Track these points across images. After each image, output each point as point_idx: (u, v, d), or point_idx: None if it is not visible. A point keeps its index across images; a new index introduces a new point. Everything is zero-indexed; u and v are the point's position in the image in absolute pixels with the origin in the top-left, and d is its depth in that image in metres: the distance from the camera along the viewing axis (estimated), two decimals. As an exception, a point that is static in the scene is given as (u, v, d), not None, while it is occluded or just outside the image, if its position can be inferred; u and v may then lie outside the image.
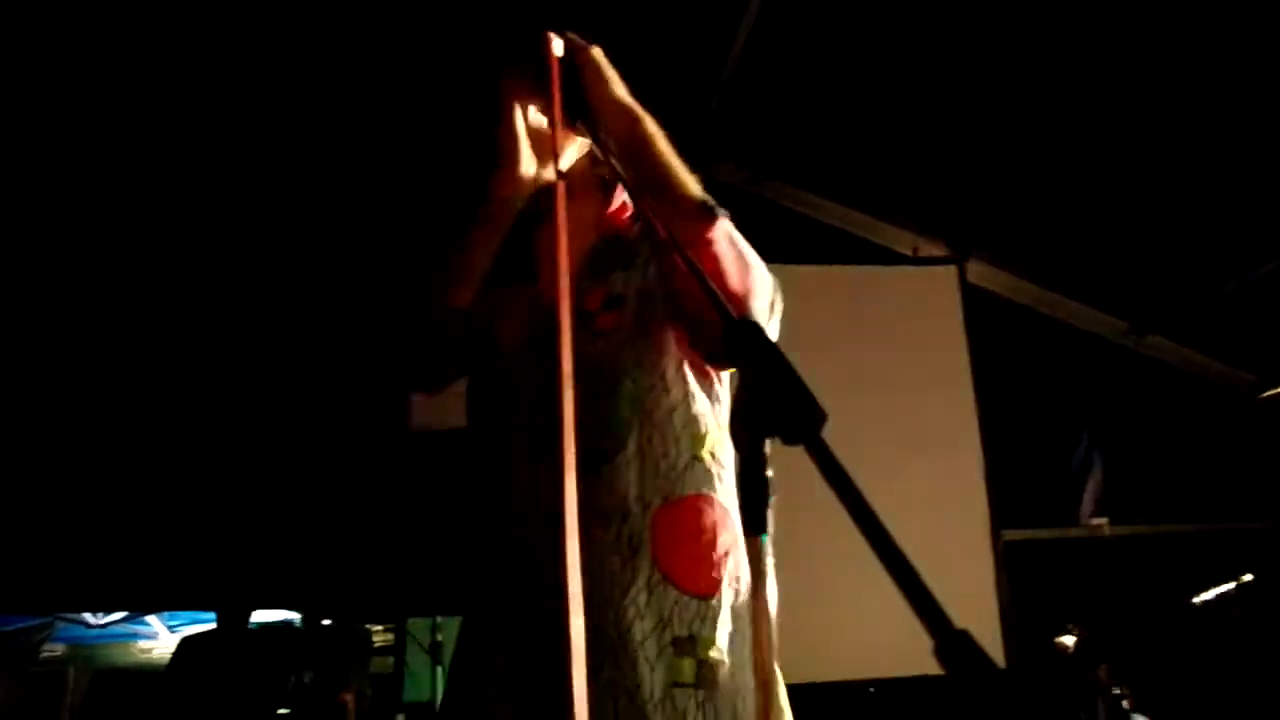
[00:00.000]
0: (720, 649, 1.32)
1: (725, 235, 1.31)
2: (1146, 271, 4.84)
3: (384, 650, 4.61)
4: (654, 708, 1.27)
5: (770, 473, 0.77)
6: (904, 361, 4.62)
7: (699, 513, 1.40)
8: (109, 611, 6.62)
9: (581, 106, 1.34)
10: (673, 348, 1.45)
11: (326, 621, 4.41)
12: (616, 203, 1.56)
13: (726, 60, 4.06)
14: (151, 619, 6.77)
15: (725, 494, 1.43)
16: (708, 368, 1.46)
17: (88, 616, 6.68)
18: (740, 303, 1.28)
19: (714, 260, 1.28)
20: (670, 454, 1.40)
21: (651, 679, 1.29)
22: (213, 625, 4.29)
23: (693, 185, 1.35)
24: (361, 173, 4.31)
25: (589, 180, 1.51)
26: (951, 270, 4.93)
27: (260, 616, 4.64)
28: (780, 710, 1.35)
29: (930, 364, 4.71)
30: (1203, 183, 4.22)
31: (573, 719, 0.95)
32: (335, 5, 3.70)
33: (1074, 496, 5.09)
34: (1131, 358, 5.23)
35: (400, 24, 3.76)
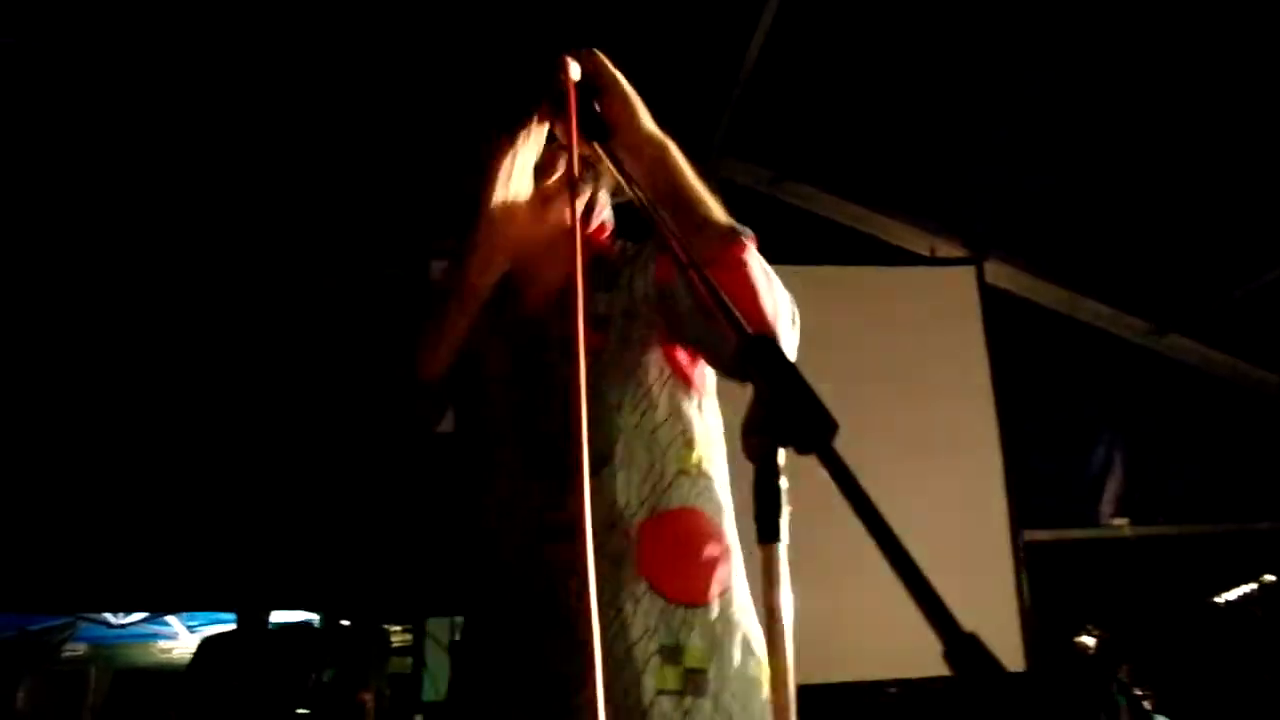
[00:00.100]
0: (707, 657, 1.36)
1: (755, 257, 1.34)
2: (1166, 270, 4.81)
3: (403, 650, 4.63)
4: (641, 715, 1.29)
5: (784, 482, 0.78)
6: (923, 362, 4.60)
7: (685, 525, 1.44)
8: (129, 612, 6.68)
9: (598, 128, 1.33)
10: (657, 365, 1.49)
11: (345, 621, 4.43)
12: (596, 223, 1.57)
13: (743, 60, 4.05)
14: (172, 619, 6.82)
15: (712, 506, 1.47)
16: (693, 384, 1.50)
17: (109, 616, 6.74)
18: (770, 321, 1.30)
19: (747, 281, 1.30)
20: (656, 468, 1.44)
21: (639, 687, 1.32)
22: (232, 626, 4.32)
23: (719, 210, 1.37)
24: (362, 166, 4.32)
25: (568, 201, 1.52)
26: (970, 270, 4.91)
27: (279, 617, 4.66)
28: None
29: (949, 365, 4.69)
30: (1224, 180, 4.19)
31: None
32: (338, 13, 3.71)
33: (1094, 497, 5.07)
34: (1152, 357, 5.19)
35: (411, 35, 3.76)
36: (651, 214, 1.11)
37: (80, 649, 7.02)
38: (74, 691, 6.96)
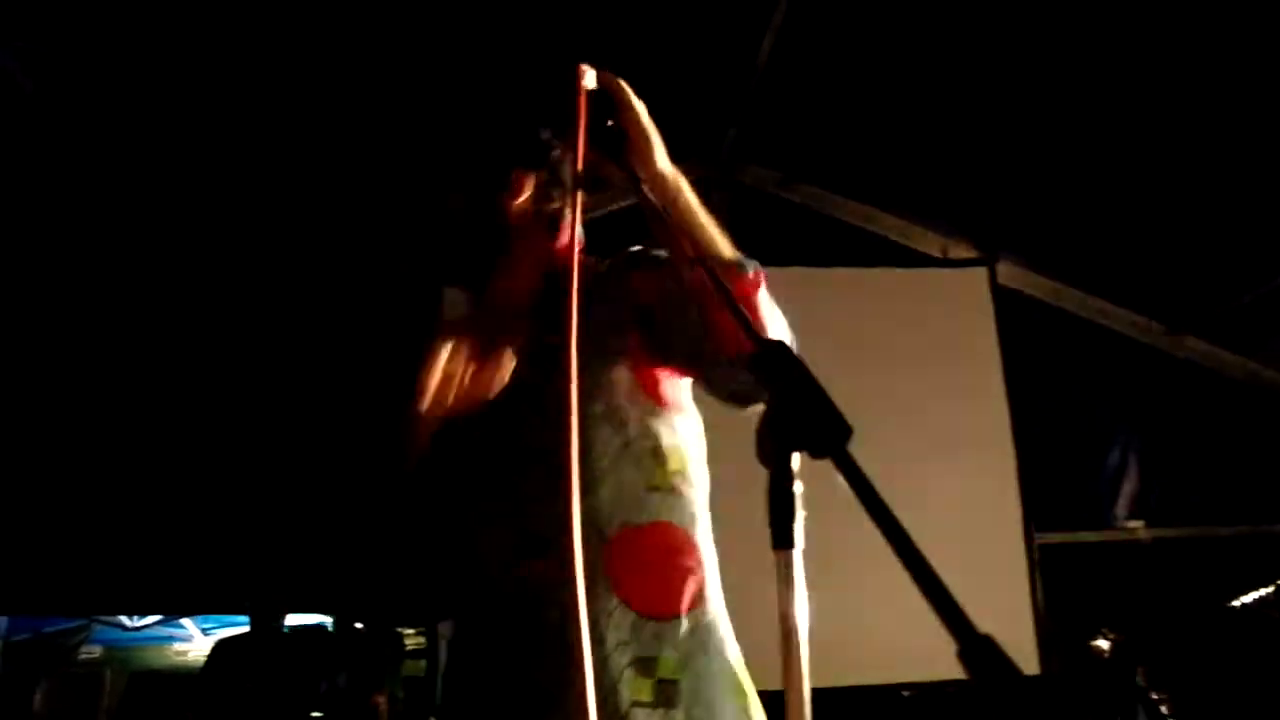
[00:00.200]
0: (680, 669, 1.39)
1: (765, 295, 1.38)
2: (1180, 271, 4.79)
3: (416, 653, 4.64)
4: None
5: (800, 487, 0.78)
6: (935, 364, 4.59)
7: (656, 539, 1.47)
8: (144, 614, 6.72)
9: (608, 140, 1.33)
10: (626, 381, 1.51)
11: (359, 625, 4.45)
12: (564, 238, 1.58)
13: (755, 62, 4.05)
14: (186, 622, 6.88)
15: (685, 519, 1.50)
16: (663, 400, 1.52)
17: (124, 619, 6.79)
18: None
19: (754, 313, 1.34)
20: (627, 484, 1.46)
21: (616, 696, 1.35)
22: (246, 629, 4.34)
23: (729, 246, 1.40)
24: (366, 171, 4.32)
25: (536, 217, 1.53)
26: (982, 272, 4.90)
27: (293, 620, 4.68)
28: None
29: (962, 366, 4.67)
30: (1238, 182, 4.17)
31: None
32: (342, 23, 3.71)
33: (1109, 499, 5.04)
34: (1165, 359, 5.17)
35: (423, 41, 3.77)
36: (664, 219, 1.11)
37: (96, 651, 7.08)
38: (89, 693, 7.02)
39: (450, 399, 1.45)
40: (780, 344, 0.84)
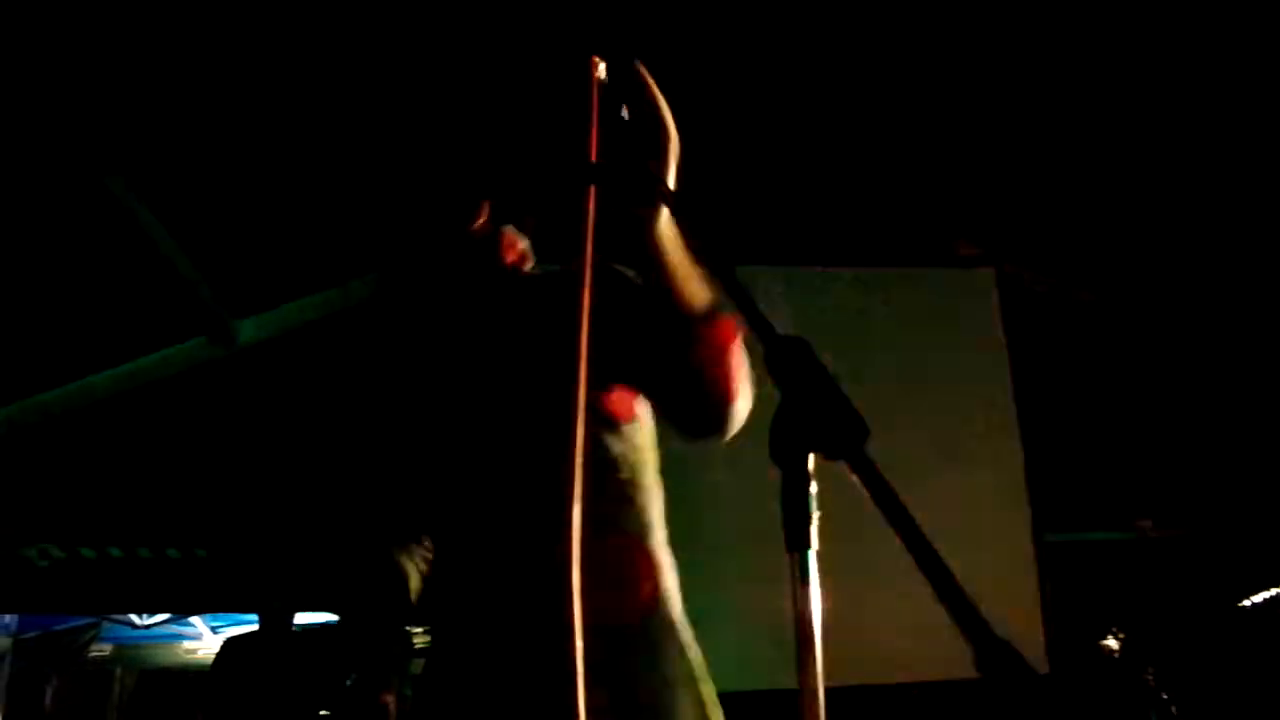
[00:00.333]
0: (634, 675, 1.41)
1: (740, 346, 1.40)
2: (1185, 269, 4.78)
3: (425, 652, 4.63)
4: None
5: (814, 488, 0.77)
6: (944, 363, 4.59)
7: (606, 549, 1.50)
8: (154, 613, 6.74)
9: (625, 139, 1.32)
10: None
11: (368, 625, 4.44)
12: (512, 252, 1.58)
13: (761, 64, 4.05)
14: (195, 620, 6.89)
15: (636, 527, 1.51)
16: (614, 414, 1.54)
17: (133, 617, 6.81)
18: (733, 401, 1.39)
19: (727, 361, 1.37)
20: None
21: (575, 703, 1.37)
22: (255, 627, 4.35)
23: (710, 295, 1.41)
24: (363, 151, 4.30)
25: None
26: (989, 271, 4.89)
27: (302, 618, 4.69)
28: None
29: (970, 365, 4.67)
30: (1243, 180, 4.17)
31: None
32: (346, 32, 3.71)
33: (1118, 498, 5.02)
34: (1174, 357, 5.16)
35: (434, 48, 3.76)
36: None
37: (106, 649, 7.10)
38: (100, 691, 7.05)
39: None
40: (797, 340, 0.83)
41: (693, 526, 3.72)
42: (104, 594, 4.98)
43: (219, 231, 4.17)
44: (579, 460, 1.11)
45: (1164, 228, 4.55)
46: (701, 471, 3.78)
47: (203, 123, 3.79)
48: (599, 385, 1.52)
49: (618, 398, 1.55)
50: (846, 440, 0.71)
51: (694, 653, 1.49)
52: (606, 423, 1.52)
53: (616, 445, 1.52)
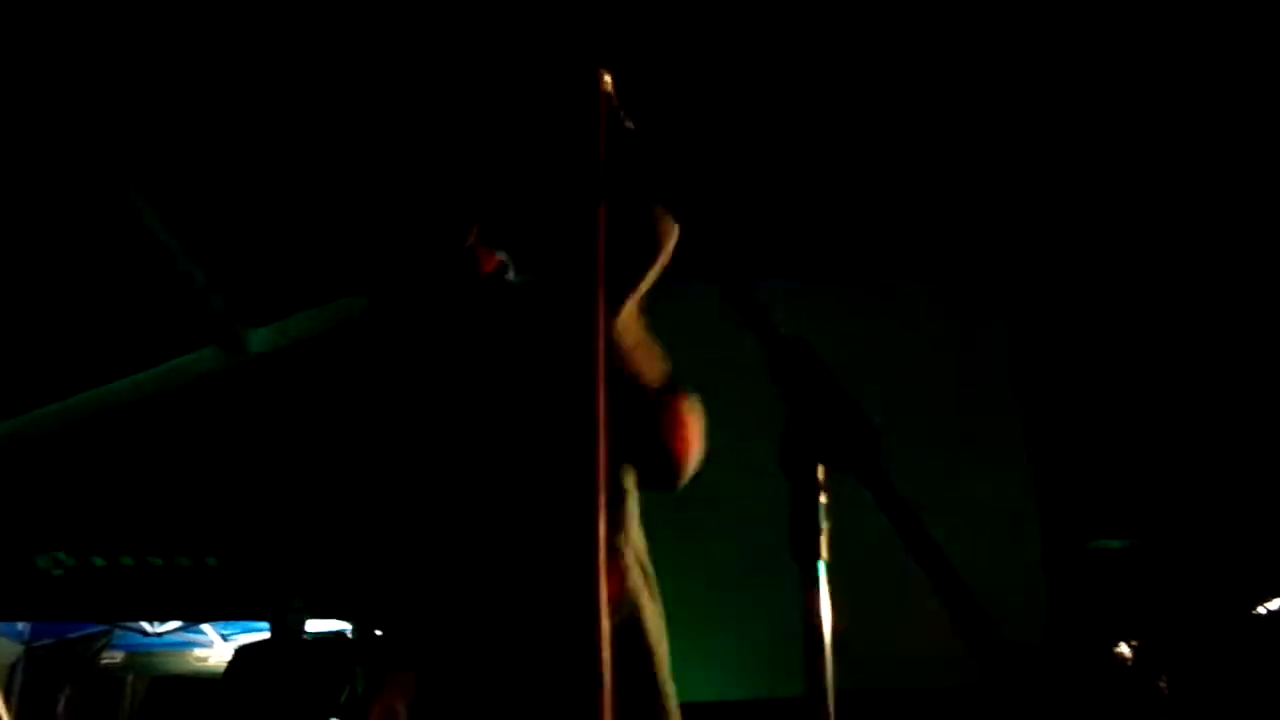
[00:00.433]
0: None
1: (695, 414, 1.44)
2: (1189, 279, 4.77)
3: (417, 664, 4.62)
4: None
5: (824, 499, 0.77)
6: (952, 373, 4.59)
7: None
8: (165, 621, 6.75)
9: (630, 152, 1.31)
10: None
11: (379, 632, 4.45)
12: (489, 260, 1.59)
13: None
14: (206, 628, 6.90)
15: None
16: None
17: (145, 625, 6.82)
18: (683, 461, 1.43)
19: (682, 426, 1.42)
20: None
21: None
22: (266, 635, 4.35)
23: (666, 366, 1.44)
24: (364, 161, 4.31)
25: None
26: (994, 278, 4.90)
27: (313, 626, 4.70)
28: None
29: (978, 374, 4.67)
30: (1246, 198, 4.17)
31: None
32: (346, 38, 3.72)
33: (1126, 504, 5.00)
34: (1176, 364, 5.14)
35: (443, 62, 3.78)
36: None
37: (117, 657, 7.11)
38: (111, 698, 7.06)
39: None
40: (802, 344, 0.82)
41: (698, 533, 3.73)
42: (115, 602, 5.00)
43: (231, 241, 4.19)
44: (602, 476, 1.10)
45: (1167, 235, 4.54)
46: (705, 478, 3.78)
47: (216, 134, 3.81)
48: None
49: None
50: (857, 453, 0.71)
51: (662, 658, 1.45)
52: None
53: None
